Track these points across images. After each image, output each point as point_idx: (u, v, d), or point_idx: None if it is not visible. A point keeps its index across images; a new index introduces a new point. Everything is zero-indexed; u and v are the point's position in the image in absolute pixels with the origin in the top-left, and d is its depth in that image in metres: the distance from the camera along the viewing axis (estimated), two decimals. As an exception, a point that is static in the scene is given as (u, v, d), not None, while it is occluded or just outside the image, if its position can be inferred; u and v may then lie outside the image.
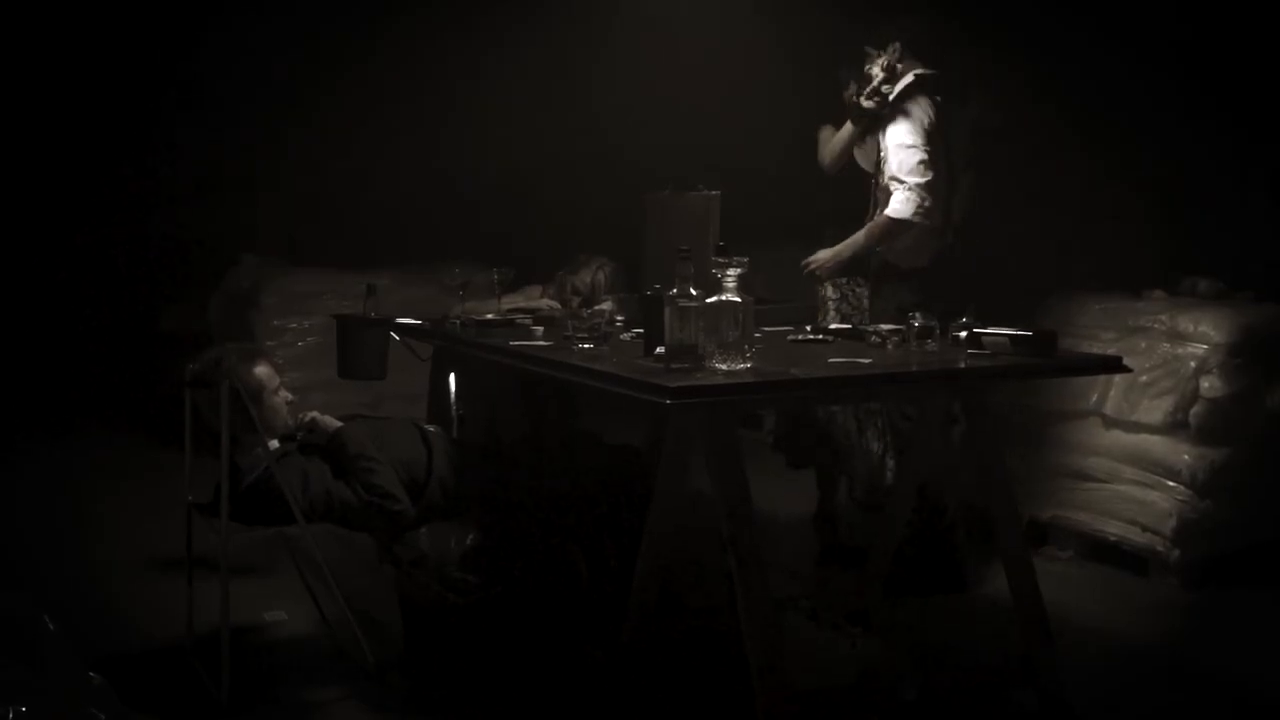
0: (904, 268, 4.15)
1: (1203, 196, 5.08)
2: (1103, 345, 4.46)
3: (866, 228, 4.13)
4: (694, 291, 2.72)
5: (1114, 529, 4.42)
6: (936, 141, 4.05)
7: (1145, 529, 4.31)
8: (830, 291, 4.39)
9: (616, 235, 4.81)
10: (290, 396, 3.69)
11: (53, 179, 7.58)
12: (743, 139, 6.67)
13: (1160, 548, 4.27)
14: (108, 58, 7.34)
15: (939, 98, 4.14)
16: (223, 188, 7.46)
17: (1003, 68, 5.37)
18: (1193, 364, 4.21)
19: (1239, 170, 5.03)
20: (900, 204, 4.01)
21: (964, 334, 3.07)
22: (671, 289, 2.75)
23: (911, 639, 3.74)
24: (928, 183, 4.00)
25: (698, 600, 3.64)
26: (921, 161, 4.01)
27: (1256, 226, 4.91)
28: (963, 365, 2.96)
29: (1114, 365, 3.18)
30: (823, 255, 4.23)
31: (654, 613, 3.29)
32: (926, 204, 3.99)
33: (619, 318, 3.79)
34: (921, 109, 4.07)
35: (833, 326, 3.61)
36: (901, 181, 4.02)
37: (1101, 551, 4.49)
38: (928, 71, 4.16)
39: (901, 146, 4.05)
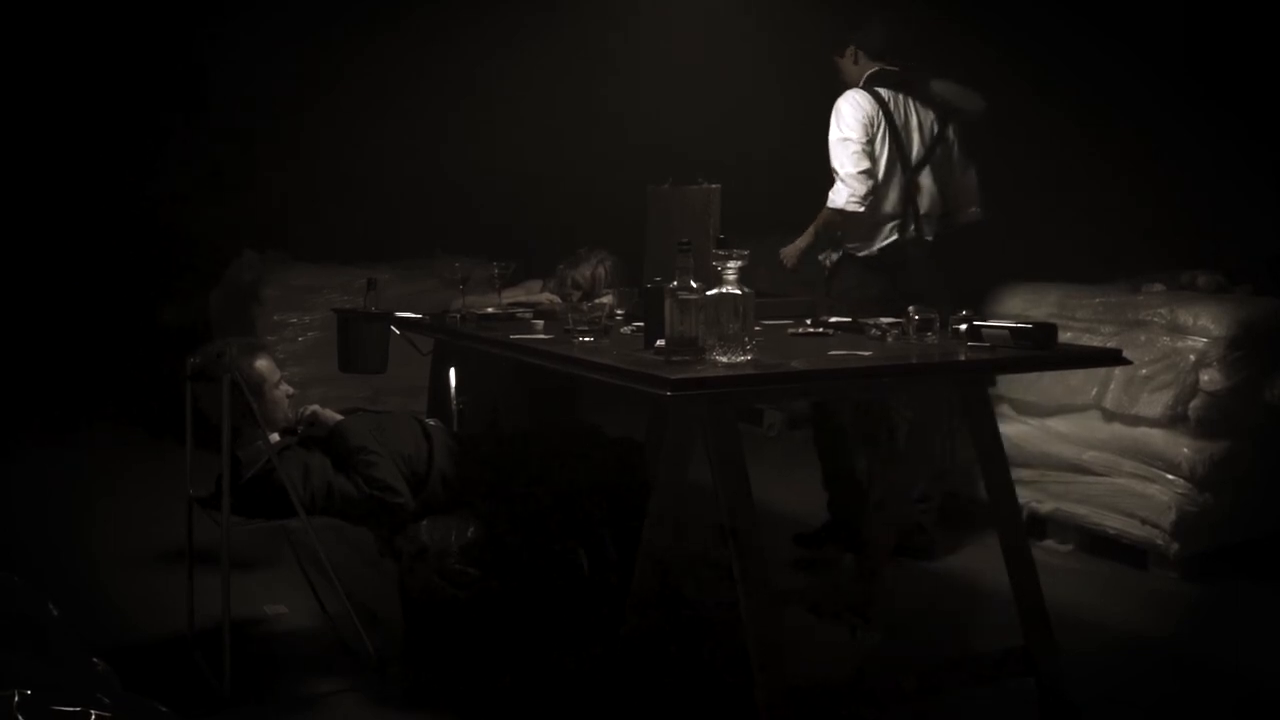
0: (857, 255, 4.35)
1: (1203, 189, 5.09)
2: (1102, 338, 4.47)
3: (815, 219, 4.37)
4: (694, 284, 2.72)
5: (1113, 522, 4.43)
6: (875, 134, 4.27)
7: (1145, 522, 4.32)
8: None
9: (617, 229, 4.82)
10: (291, 390, 3.70)
11: (53, 175, 7.58)
12: (744, 132, 6.68)
13: (1160, 541, 4.27)
14: (108, 53, 7.34)
15: (887, 92, 4.32)
16: (224, 182, 7.46)
17: (1005, 64, 5.39)
18: (1192, 357, 4.22)
19: (1239, 163, 5.03)
20: (834, 194, 4.26)
21: (964, 327, 3.07)
22: (672, 282, 2.75)
23: (911, 631, 3.76)
24: (861, 172, 4.21)
25: (698, 592, 3.65)
26: (855, 153, 4.22)
27: (1256, 220, 4.92)
28: (962, 358, 2.97)
29: (1114, 358, 3.19)
30: (788, 248, 4.45)
31: (654, 605, 3.30)
32: (861, 193, 4.20)
33: (619, 311, 3.80)
34: (856, 105, 4.28)
35: (832, 320, 3.62)
36: (837, 172, 4.25)
37: (1101, 544, 4.50)
38: (887, 68, 4.36)
39: (837, 140, 4.27)
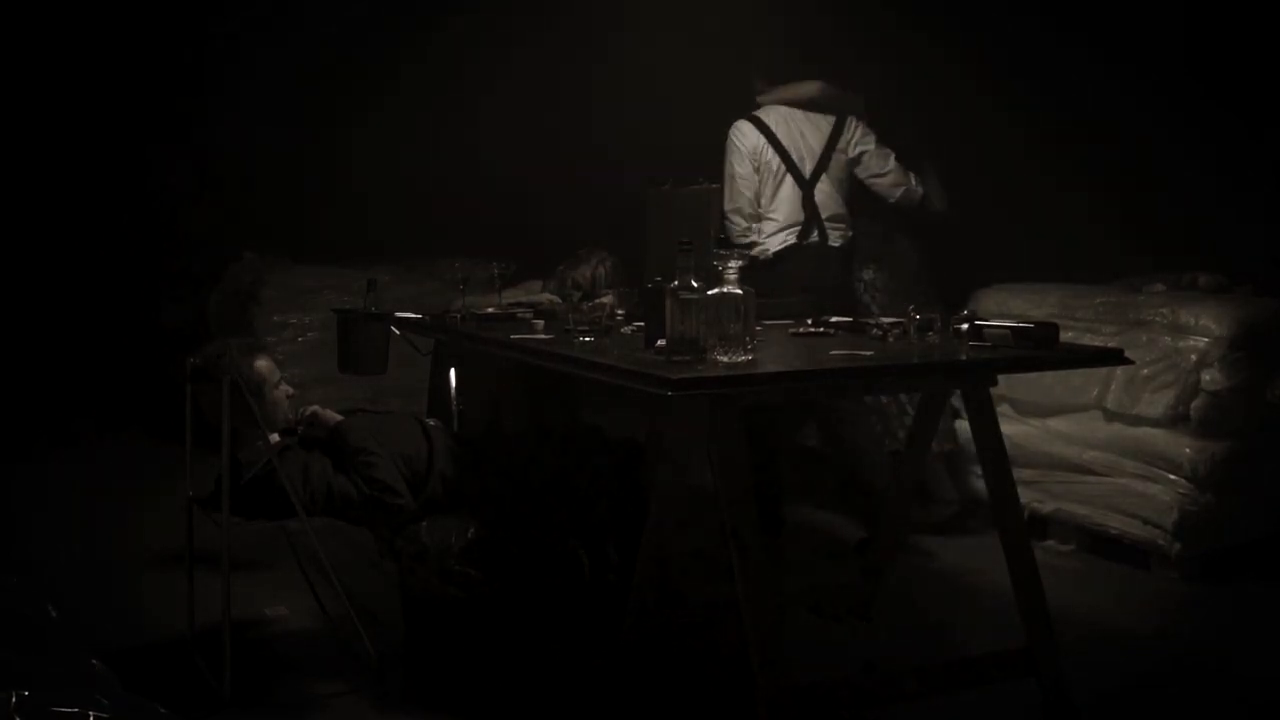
0: (759, 259, 4.59)
1: (1204, 189, 5.07)
2: (1104, 338, 4.46)
3: None
4: (695, 284, 2.72)
5: (1115, 522, 4.42)
6: (760, 159, 4.59)
7: (1146, 522, 4.31)
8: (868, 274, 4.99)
9: (617, 229, 4.83)
10: (291, 391, 3.69)
11: (53, 177, 7.57)
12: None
13: (1161, 541, 4.26)
14: (109, 55, 7.33)
15: (776, 112, 4.64)
16: (224, 184, 7.45)
17: (1005, 63, 5.39)
18: (1194, 357, 4.21)
19: (1240, 163, 5.02)
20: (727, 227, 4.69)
21: (965, 326, 3.07)
22: (672, 281, 2.75)
23: (911, 631, 3.75)
24: (735, 210, 4.63)
25: (699, 593, 3.65)
26: (735, 190, 4.62)
27: (1257, 219, 4.91)
28: (964, 357, 2.96)
29: (1115, 358, 3.18)
30: None
31: (655, 606, 3.29)
32: (741, 227, 4.62)
33: (620, 311, 3.79)
34: (734, 139, 4.63)
35: (834, 320, 3.62)
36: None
37: (1103, 545, 4.49)
38: (774, 95, 4.70)
39: (725, 177, 4.67)
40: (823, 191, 4.61)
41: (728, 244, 2.79)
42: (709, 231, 4.52)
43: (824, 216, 4.60)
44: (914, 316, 3.18)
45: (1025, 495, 4.33)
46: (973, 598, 4.10)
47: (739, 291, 2.70)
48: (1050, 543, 4.62)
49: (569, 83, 7.17)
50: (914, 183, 4.74)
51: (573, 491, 3.59)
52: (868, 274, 5.01)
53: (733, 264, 2.72)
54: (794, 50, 4.79)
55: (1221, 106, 5.10)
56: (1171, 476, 4.26)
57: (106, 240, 7.74)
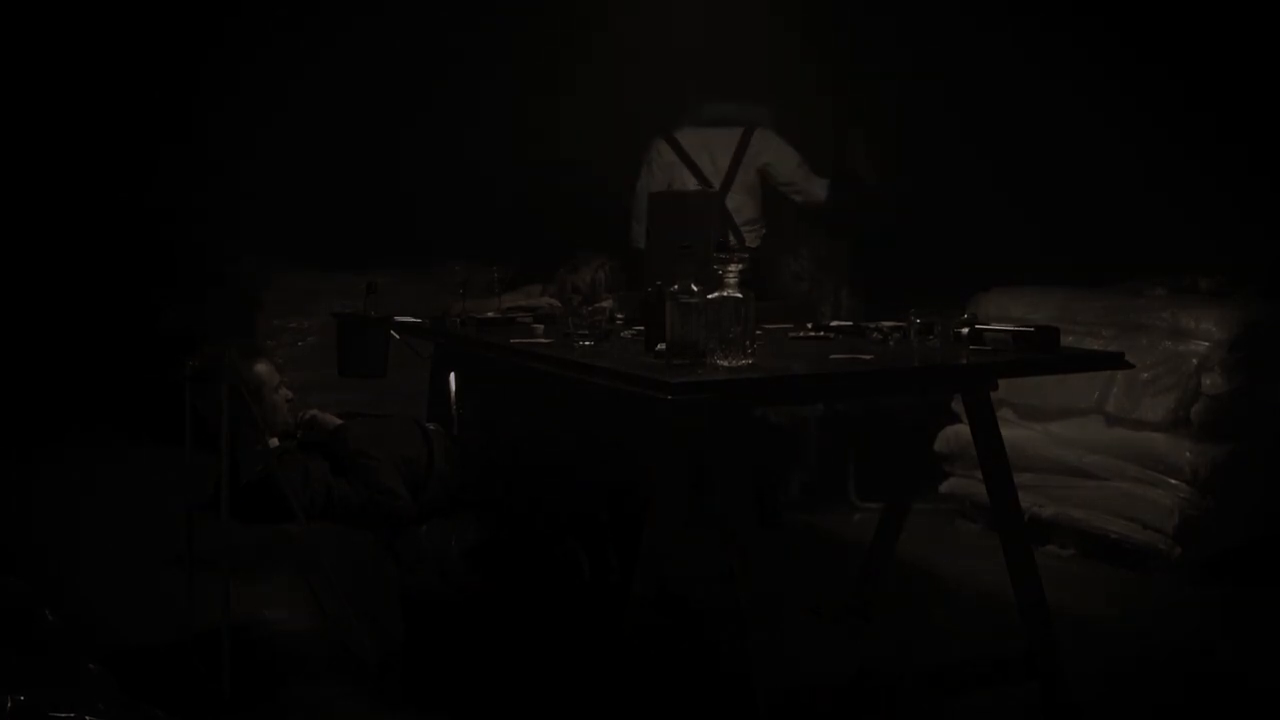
0: None
1: (1204, 190, 5.07)
2: (1104, 342, 4.46)
3: None
4: (695, 288, 2.72)
5: (1116, 526, 4.41)
6: (671, 174, 5.05)
7: (1147, 526, 4.30)
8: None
9: (617, 233, 4.83)
10: (290, 394, 3.69)
11: (54, 179, 7.57)
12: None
13: (1162, 545, 4.26)
14: (111, 56, 7.34)
15: (694, 130, 5.13)
16: (224, 186, 7.45)
17: (1004, 65, 5.40)
18: (1194, 361, 4.21)
19: (1241, 165, 5.02)
20: None
21: (965, 330, 3.07)
22: (673, 286, 2.74)
23: (911, 632, 3.75)
24: (637, 218, 5.01)
25: (698, 596, 3.64)
26: (635, 202, 5.10)
27: (1258, 222, 4.90)
28: (964, 361, 2.96)
29: (1116, 362, 3.18)
30: None
31: (654, 607, 3.29)
32: (636, 232, 4.98)
33: (619, 315, 3.80)
34: (647, 156, 5.16)
35: (834, 324, 3.62)
36: None
37: (1103, 549, 4.49)
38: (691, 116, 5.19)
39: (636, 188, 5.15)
40: (735, 199, 5.05)
41: (728, 248, 2.79)
42: (709, 236, 4.53)
43: (738, 223, 5.04)
44: (914, 320, 3.18)
45: (1025, 499, 4.32)
46: (972, 598, 4.10)
47: (739, 295, 2.70)
48: (1050, 547, 4.61)
49: (571, 85, 7.18)
50: (816, 189, 5.13)
51: (572, 494, 3.59)
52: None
53: (733, 268, 2.72)
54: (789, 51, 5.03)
55: (1222, 105, 5.10)
56: (1172, 480, 4.25)
57: (106, 242, 7.74)
